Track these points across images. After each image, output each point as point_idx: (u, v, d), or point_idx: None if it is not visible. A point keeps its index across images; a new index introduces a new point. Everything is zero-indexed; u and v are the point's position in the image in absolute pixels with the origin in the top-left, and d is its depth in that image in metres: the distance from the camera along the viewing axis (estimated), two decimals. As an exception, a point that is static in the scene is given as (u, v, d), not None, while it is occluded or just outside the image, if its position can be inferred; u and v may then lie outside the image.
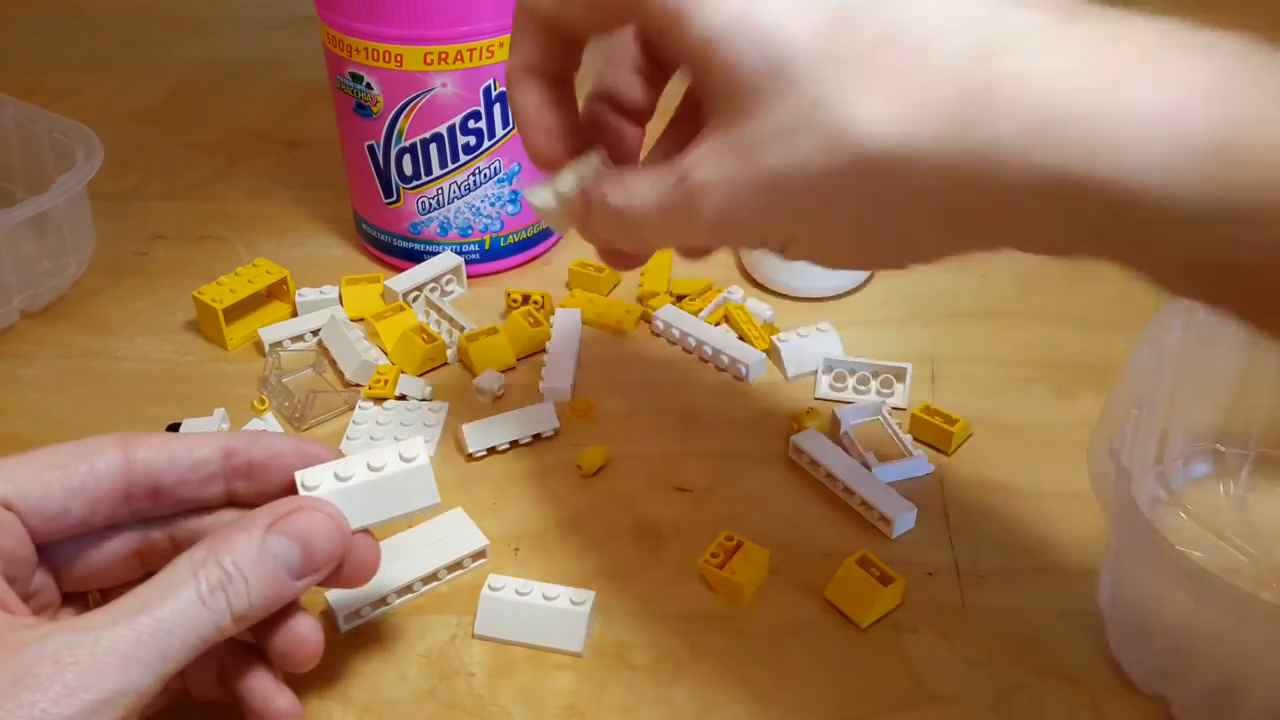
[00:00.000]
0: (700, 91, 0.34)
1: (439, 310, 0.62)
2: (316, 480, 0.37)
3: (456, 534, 0.48)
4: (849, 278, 0.64)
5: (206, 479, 0.37)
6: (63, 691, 0.28)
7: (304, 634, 0.37)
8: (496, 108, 0.61)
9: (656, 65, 0.39)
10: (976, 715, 0.42)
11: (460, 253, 0.65)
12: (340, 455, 0.38)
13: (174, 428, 0.55)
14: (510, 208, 0.64)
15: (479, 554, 0.48)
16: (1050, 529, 0.49)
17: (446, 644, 0.45)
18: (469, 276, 0.66)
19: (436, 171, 0.62)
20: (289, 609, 0.36)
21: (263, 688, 0.37)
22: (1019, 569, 0.48)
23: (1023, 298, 0.65)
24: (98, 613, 0.31)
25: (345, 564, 0.37)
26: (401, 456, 0.38)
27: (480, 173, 0.62)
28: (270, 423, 0.55)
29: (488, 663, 0.44)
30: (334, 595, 0.45)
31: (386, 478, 0.37)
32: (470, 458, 0.54)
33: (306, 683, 0.42)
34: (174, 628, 0.30)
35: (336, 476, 0.37)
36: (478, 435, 0.54)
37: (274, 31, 0.98)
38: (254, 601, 0.33)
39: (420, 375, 0.59)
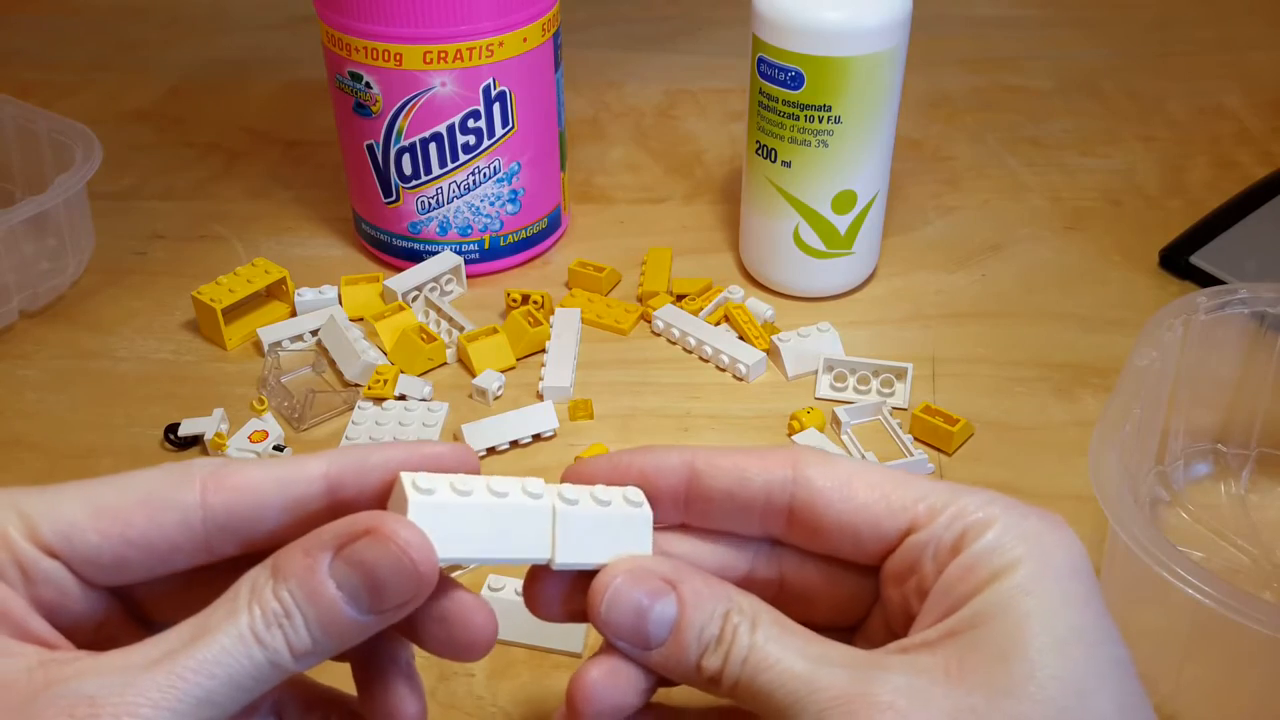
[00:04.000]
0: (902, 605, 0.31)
1: (438, 310, 0.62)
2: (431, 486, 0.29)
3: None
4: (850, 277, 0.64)
5: (305, 520, 0.30)
6: None
7: (471, 623, 0.30)
8: (496, 107, 0.61)
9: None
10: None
11: (460, 252, 0.65)
12: (469, 451, 0.31)
13: (173, 428, 0.55)
14: (510, 207, 0.64)
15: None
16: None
17: (446, 644, 0.45)
18: (468, 276, 0.66)
19: (436, 171, 0.62)
20: (445, 590, 0.30)
21: None
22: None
23: (1023, 298, 0.64)
24: (143, 646, 0.27)
25: (450, 629, 0.29)
26: (525, 490, 0.30)
27: (480, 172, 0.62)
28: (269, 423, 0.55)
29: (487, 663, 0.44)
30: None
31: (508, 508, 0.30)
32: (470, 458, 0.54)
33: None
34: (219, 669, 0.26)
35: (453, 489, 0.29)
36: (478, 435, 0.54)
37: (274, 31, 0.98)
38: (317, 638, 0.27)
39: (420, 375, 0.59)
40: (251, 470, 0.29)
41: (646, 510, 0.31)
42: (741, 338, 0.60)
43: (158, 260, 0.69)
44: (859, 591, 0.32)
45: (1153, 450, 0.49)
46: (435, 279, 0.64)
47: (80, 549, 0.28)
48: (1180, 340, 0.47)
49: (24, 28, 0.99)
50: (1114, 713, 0.26)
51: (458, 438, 0.54)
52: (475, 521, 0.29)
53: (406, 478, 0.29)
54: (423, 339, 0.59)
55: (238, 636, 0.26)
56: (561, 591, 0.31)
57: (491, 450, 0.54)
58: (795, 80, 0.57)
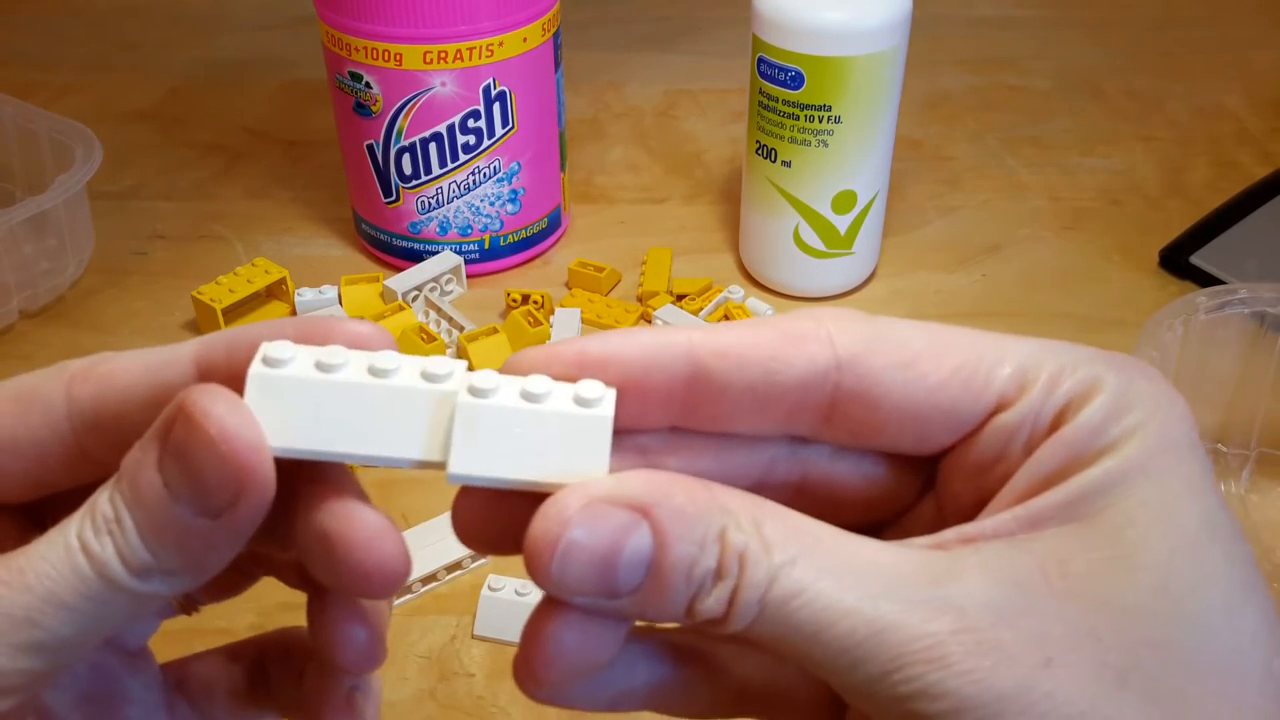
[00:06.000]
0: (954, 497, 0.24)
1: (438, 310, 0.62)
2: (284, 357, 0.22)
3: (456, 534, 0.48)
4: (850, 277, 0.64)
5: None
6: None
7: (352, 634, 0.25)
8: (496, 107, 0.61)
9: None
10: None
11: (460, 252, 0.65)
12: (382, 335, 0.24)
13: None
14: (510, 207, 0.64)
15: (479, 554, 0.48)
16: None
17: (446, 645, 0.45)
18: (468, 276, 0.66)
19: (436, 171, 0.62)
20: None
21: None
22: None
23: (1023, 298, 0.64)
24: None
25: (333, 550, 0.22)
26: (424, 372, 0.22)
27: (480, 172, 0.62)
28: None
29: (487, 663, 0.44)
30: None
31: (385, 390, 0.22)
32: (470, 458, 0.54)
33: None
34: (36, 582, 0.21)
35: (318, 365, 0.22)
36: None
37: (274, 31, 0.97)
38: (153, 549, 0.22)
39: (420, 375, 0.59)
40: (121, 359, 0.24)
41: (603, 411, 0.22)
42: (741, 338, 0.60)
43: (158, 260, 0.69)
44: (903, 487, 0.24)
45: (1153, 450, 0.49)
46: (435, 279, 0.64)
47: None
48: (1180, 340, 0.47)
49: (24, 28, 0.99)
50: (1266, 632, 0.21)
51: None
52: (337, 404, 0.22)
53: (264, 348, 0.22)
54: (423, 339, 0.59)
55: (63, 545, 0.22)
56: (484, 508, 0.23)
57: (491, 450, 0.54)
58: (795, 80, 0.57)
